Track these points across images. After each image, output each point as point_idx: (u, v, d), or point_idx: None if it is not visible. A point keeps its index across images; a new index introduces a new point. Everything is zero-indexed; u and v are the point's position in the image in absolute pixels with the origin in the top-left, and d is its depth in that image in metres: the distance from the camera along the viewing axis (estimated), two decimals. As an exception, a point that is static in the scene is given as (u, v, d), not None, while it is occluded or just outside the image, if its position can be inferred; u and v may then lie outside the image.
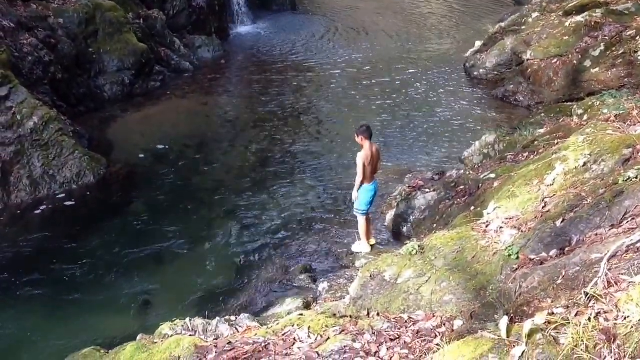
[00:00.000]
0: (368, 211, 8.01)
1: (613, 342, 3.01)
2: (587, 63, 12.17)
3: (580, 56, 12.33)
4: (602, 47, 12.10)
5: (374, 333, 4.47)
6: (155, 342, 5.07)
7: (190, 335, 5.08)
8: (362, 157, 7.59)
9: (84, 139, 11.24)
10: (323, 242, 8.66)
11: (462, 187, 8.28)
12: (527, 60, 13.26)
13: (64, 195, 9.97)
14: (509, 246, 5.07)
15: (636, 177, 5.00)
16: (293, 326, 4.77)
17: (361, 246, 8.08)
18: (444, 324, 4.48)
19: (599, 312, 3.24)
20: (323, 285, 7.25)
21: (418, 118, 12.82)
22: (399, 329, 4.53)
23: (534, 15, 14.94)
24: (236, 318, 5.50)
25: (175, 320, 5.42)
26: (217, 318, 5.41)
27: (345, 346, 4.29)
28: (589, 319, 3.18)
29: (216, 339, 4.91)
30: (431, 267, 5.25)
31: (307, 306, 6.58)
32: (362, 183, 7.76)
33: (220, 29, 17.53)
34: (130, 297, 7.75)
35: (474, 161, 9.96)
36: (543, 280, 4.29)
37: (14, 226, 9.29)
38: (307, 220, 9.29)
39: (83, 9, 13.12)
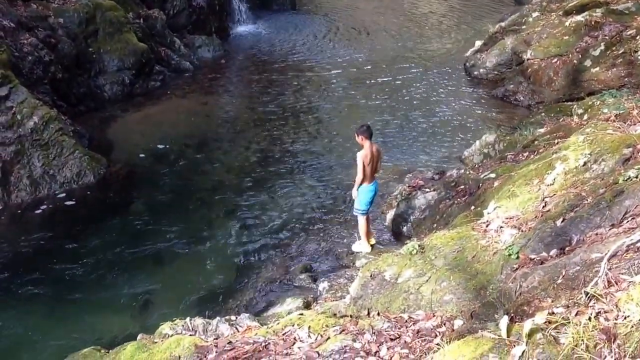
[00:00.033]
0: (368, 211, 8.02)
1: (613, 342, 3.01)
2: (587, 63, 12.16)
3: (580, 56, 12.33)
4: (602, 47, 12.10)
5: (374, 333, 4.47)
6: (156, 342, 5.07)
7: (191, 334, 5.08)
8: (362, 157, 7.59)
9: (84, 138, 11.24)
10: (323, 241, 8.66)
11: (462, 186, 8.28)
12: (527, 59, 13.26)
13: (64, 195, 9.97)
14: (509, 246, 5.07)
15: (636, 177, 5.00)
16: (293, 326, 4.77)
17: (361, 246, 8.08)
18: (444, 324, 4.48)
19: (599, 312, 3.24)
20: (323, 285, 7.25)
21: (418, 117, 12.82)
22: (399, 328, 4.53)
23: (534, 14, 14.94)
24: (236, 318, 5.50)
25: (175, 320, 5.42)
26: (217, 318, 5.41)
27: (345, 346, 4.29)
28: (589, 319, 3.18)
29: (216, 339, 4.91)
30: (431, 267, 5.25)
31: (307, 306, 6.58)
32: (362, 183, 7.76)
33: (221, 28, 17.54)
34: (131, 297, 7.75)
35: (474, 161, 9.96)
36: (543, 279, 4.29)
37: (14, 226, 9.29)
38: (307, 219, 9.28)
39: (83, 9, 13.12)
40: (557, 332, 3.24)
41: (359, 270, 6.24)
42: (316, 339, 4.52)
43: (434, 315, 4.67)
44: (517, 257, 4.89)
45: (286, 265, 8.09)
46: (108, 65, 13.44)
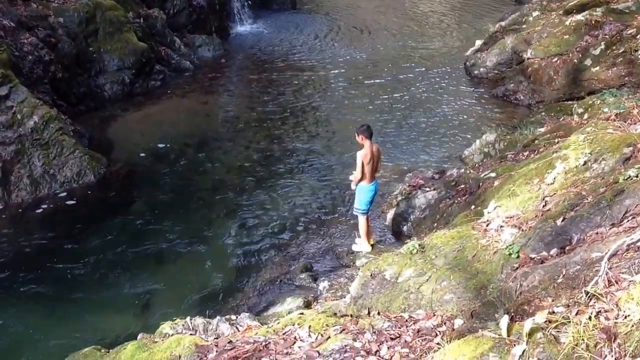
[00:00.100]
0: (368, 211, 8.02)
1: (613, 341, 3.01)
2: (588, 62, 12.16)
3: (580, 55, 12.33)
4: (603, 46, 12.09)
5: (375, 332, 4.47)
6: (156, 341, 5.07)
7: (191, 334, 5.08)
8: (362, 156, 7.60)
9: (84, 138, 11.24)
10: (323, 241, 8.67)
11: (462, 186, 8.28)
12: (528, 59, 13.25)
13: (64, 194, 9.97)
14: (510, 245, 5.07)
15: (637, 176, 5.00)
16: (293, 325, 4.77)
17: (361, 245, 8.08)
18: (445, 323, 4.48)
19: (600, 311, 3.24)
20: (323, 285, 7.26)
21: (418, 117, 12.82)
22: (399, 328, 4.53)
23: (535, 14, 14.93)
24: (237, 317, 5.50)
25: (175, 320, 5.42)
26: (218, 317, 5.41)
27: (345, 345, 4.29)
28: (590, 318, 3.18)
29: (217, 338, 4.91)
30: (431, 266, 5.25)
31: (307, 305, 6.59)
32: (362, 182, 7.77)
33: (221, 28, 17.53)
34: (132, 296, 7.76)
35: (475, 160, 9.96)
36: (543, 279, 4.29)
37: (14, 225, 9.29)
38: (307, 219, 9.29)
39: (83, 8, 13.12)
40: (558, 331, 3.24)
41: (359, 269, 6.24)
42: (316, 339, 4.52)
43: (434, 315, 4.67)
44: (518, 257, 4.89)
45: (286, 265, 8.10)
46: (108, 65, 13.43)
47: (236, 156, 11.41)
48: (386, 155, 10.02)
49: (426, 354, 3.97)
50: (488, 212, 6.24)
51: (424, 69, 15.47)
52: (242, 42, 17.90)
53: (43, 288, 7.89)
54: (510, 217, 5.73)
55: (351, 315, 5.05)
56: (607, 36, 12.24)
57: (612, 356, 2.95)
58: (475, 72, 14.55)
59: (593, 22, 12.62)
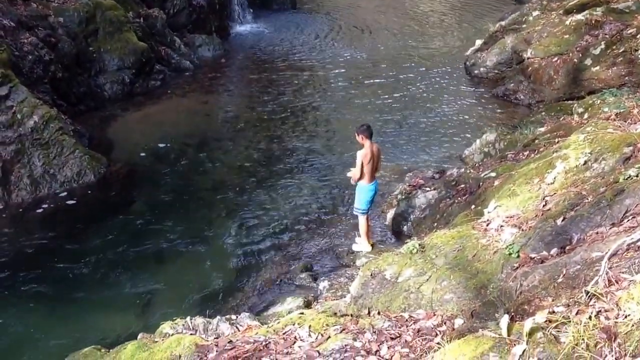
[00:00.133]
0: (368, 210, 8.02)
1: (614, 341, 3.01)
2: (588, 61, 12.16)
3: (580, 55, 12.33)
4: (603, 46, 12.09)
5: (375, 332, 4.47)
6: (156, 341, 5.07)
7: (191, 334, 5.08)
8: (361, 156, 7.60)
9: (84, 138, 11.24)
10: (323, 241, 8.67)
11: (462, 185, 8.28)
12: (528, 58, 13.25)
13: (64, 194, 9.97)
14: (510, 245, 5.07)
15: (637, 176, 5.00)
16: (294, 325, 4.77)
17: (361, 245, 8.08)
18: (445, 323, 4.48)
19: (600, 311, 3.24)
20: (324, 284, 7.26)
21: (418, 117, 12.82)
22: (399, 327, 4.53)
23: (535, 13, 14.93)
24: (237, 317, 5.50)
25: (176, 319, 5.42)
26: (218, 317, 5.41)
27: (345, 345, 4.29)
28: (590, 318, 3.18)
29: (217, 338, 4.91)
30: (432, 266, 5.25)
31: (307, 305, 6.59)
32: (362, 182, 7.76)
33: (221, 27, 17.53)
34: (131, 296, 7.76)
35: (475, 160, 9.96)
36: (544, 278, 4.29)
37: (14, 225, 9.29)
38: (307, 219, 9.29)
39: (83, 8, 13.12)
40: (558, 331, 3.24)
41: (359, 269, 6.24)
42: (317, 338, 4.52)
43: (434, 314, 4.67)
44: (518, 256, 4.89)
45: (286, 264, 8.09)
46: (108, 65, 13.43)
47: (236, 156, 11.41)
48: (386, 155, 10.01)
49: (426, 353, 3.97)
50: (488, 212, 6.24)
51: (424, 68, 15.47)
52: (242, 41, 17.90)
53: (43, 288, 7.89)
54: (511, 217, 5.73)
55: (351, 315, 5.05)
56: (607, 36, 12.24)
57: (612, 356, 2.95)
58: (476, 71, 14.55)
59: (593, 21, 12.62)
